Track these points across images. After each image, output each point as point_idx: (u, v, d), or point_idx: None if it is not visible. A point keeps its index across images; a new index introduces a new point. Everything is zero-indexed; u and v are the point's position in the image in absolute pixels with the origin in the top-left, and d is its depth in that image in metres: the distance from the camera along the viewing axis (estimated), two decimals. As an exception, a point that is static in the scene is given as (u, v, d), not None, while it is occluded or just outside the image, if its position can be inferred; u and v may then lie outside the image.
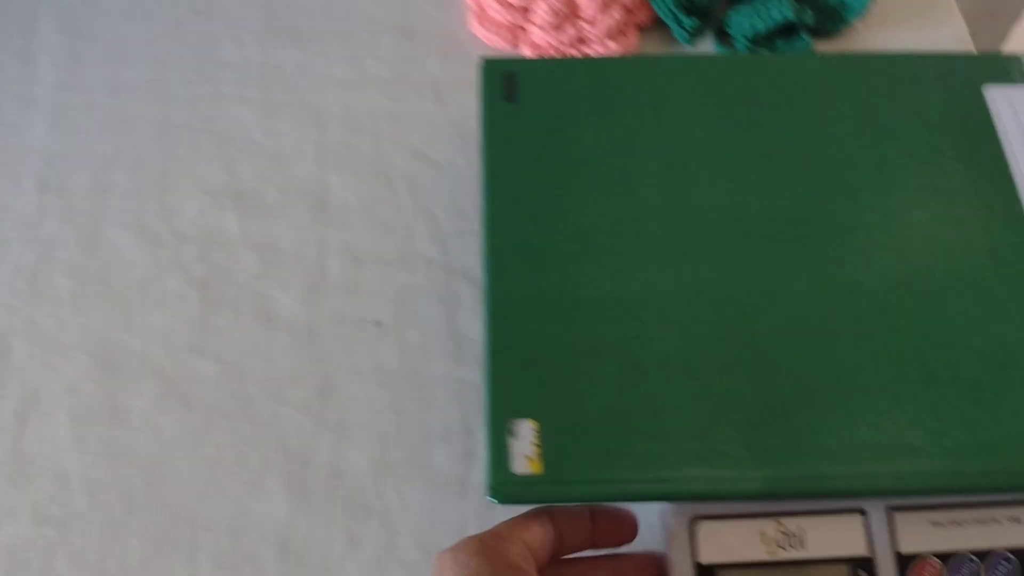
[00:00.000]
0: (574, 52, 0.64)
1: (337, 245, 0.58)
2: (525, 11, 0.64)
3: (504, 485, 0.42)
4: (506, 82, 0.53)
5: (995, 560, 0.45)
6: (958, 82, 0.55)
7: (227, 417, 0.53)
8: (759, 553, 0.45)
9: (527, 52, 0.64)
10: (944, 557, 0.46)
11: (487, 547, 0.39)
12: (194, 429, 0.53)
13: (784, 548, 0.45)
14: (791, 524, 0.45)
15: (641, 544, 0.47)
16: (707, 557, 0.45)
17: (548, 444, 0.43)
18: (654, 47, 0.65)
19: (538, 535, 0.41)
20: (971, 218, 0.50)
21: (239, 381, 0.54)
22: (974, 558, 0.45)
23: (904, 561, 0.45)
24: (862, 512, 0.46)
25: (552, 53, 0.63)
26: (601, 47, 0.64)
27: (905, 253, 0.49)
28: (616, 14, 0.64)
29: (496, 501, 0.42)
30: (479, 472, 0.51)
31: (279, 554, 0.50)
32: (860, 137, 0.53)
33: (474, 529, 0.47)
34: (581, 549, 0.44)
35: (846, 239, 0.50)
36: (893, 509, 0.46)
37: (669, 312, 0.47)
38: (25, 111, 0.64)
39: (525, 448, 0.42)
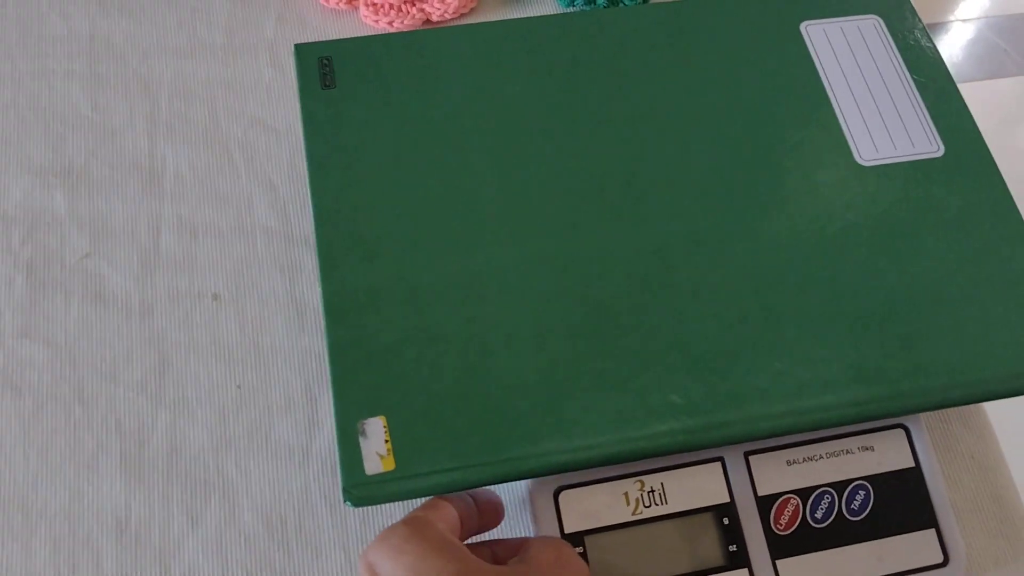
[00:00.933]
0: (410, 8, 0.61)
1: (171, 219, 0.55)
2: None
3: (357, 488, 0.40)
4: (321, 68, 0.50)
5: (852, 490, 0.44)
6: (776, 20, 0.54)
7: (59, 402, 0.50)
8: (624, 514, 0.44)
9: (365, 13, 0.61)
10: (803, 493, 0.45)
11: (416, 530, 0.36)
12: (25, 415, 0.50)
13: (648, 506, 0.44)
14: (652, 481, 0.45)
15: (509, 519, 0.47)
16: (573, 526, 0.44)
17: (398, 439, 0.41)
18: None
19: (450, 516, 0.39)
20: (800, 157, 0.49)
21: (71, 364, 0.51)
22: (831, 491, 0.44)
23: (765, 503, 0.44)
24: (721, 460, 0.45)
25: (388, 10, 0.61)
26: (438, 2, 0.62)
27: (741, 199, 0.48)
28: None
29: (350, 504, 0.40)
30: (323, 440, 0.49)
31: (117, 537, 0.47)
32: (686, 85, 0.52)
33: (318, 497, 0.44)
34: (474, 534, 0.42)
35: (679, 192, 0.49)
36: (749, 454, 0.45)
37: (511, 287, 0.45)
38: None
39: (376, 446, 0.41)
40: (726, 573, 0.44)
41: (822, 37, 0.53)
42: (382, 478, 0.40)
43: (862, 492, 0.46)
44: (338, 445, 0.41)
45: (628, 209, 0.48)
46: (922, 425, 0.47)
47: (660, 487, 0.45)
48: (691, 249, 0.47)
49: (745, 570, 0.44)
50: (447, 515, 0.39)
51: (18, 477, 0.48)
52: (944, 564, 0.45)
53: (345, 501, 0.40)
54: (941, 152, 0.50)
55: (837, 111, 0.51)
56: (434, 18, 0.62)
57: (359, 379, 0.43)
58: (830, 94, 0.52)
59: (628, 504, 0.45)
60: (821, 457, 0.46)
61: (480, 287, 0.45)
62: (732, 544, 0.45)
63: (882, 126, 0.51)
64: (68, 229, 0.55)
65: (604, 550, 0.44)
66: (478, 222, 0.47)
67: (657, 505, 0.45)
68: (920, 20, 0.54)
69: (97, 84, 0.59)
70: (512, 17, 0.60)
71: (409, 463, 0.41)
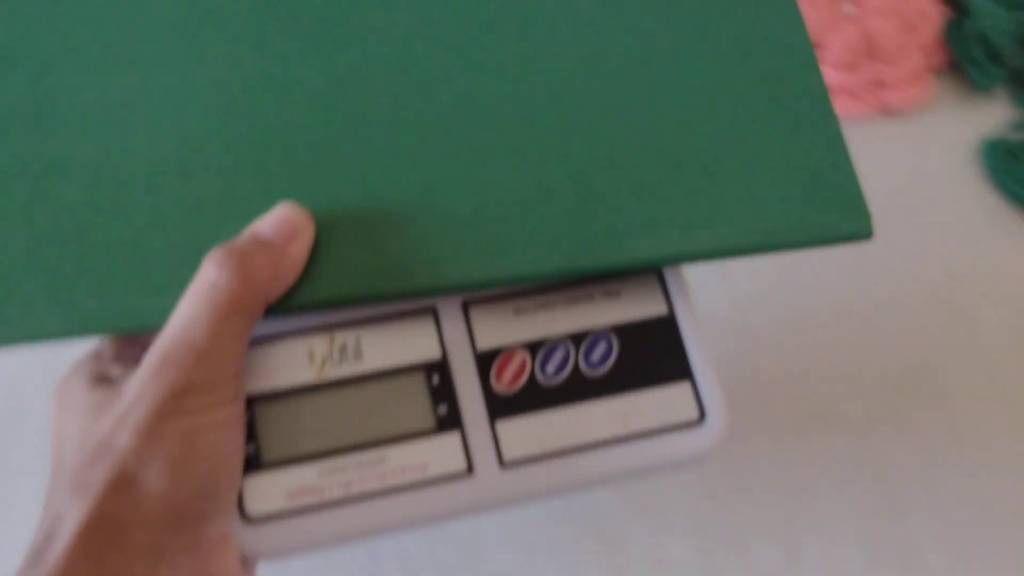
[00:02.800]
0: (868, 96, 0.61)
1: None
2: None
3: None
4: None
5: (592, 341, 0.36)
6: None
7: None
8: (306, 375, 0.36)
9: None
10: (532, 346, 0.36)
11: (82, 369, 0.34)
12: None
13: (338, 364, 0.36)
14: (346, 336, 0.37)
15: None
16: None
17: None
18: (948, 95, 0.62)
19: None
20: None
21: None
22: (566, 343, 0.36)
23: (485, 358, 0.36)
24: (433, 311, 0.37)
25: None
26: (898, 92, 0.60)
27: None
28: (914, 56, 0.60)
29: None
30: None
31: None
32: None
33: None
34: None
35: (391, 17, 0.40)
36: (469, 303, 0.37)
37: (161, 114, 0.37)
38: None
39: None
40: (434, 436, 0.36)
41: None
42: None
43: (604, 343, 0.37)
44: None
45: (323, 30, 0.39)
46: (679, 269, 0.39)
47: (356, 342, 0.36)
48: (400, 81, 0.38)
49: (457, 432, 0.36)
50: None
51: None
52: (700, 420, 0.36)
53: None
54: None
55: None
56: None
57: None
58: None
59: (312, 363, 0.36)
60: (557, 305, 0.38)
61: (122, 111, 0.37)
62: (442, 405, 0.36)
63: None
64: None
65: (280, 419, 0.35)
66: (138, 41, 0.38)
67: (351, 363, 0.36)
68: None
69: None
70: None
71: (5, 303, 0.33)
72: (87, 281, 0.34)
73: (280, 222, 0.33)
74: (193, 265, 0.33)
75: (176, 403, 0.30)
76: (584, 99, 0.38)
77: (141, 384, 0.30)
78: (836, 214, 0.37)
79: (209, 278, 0.31)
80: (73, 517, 0.29)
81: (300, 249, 0.33)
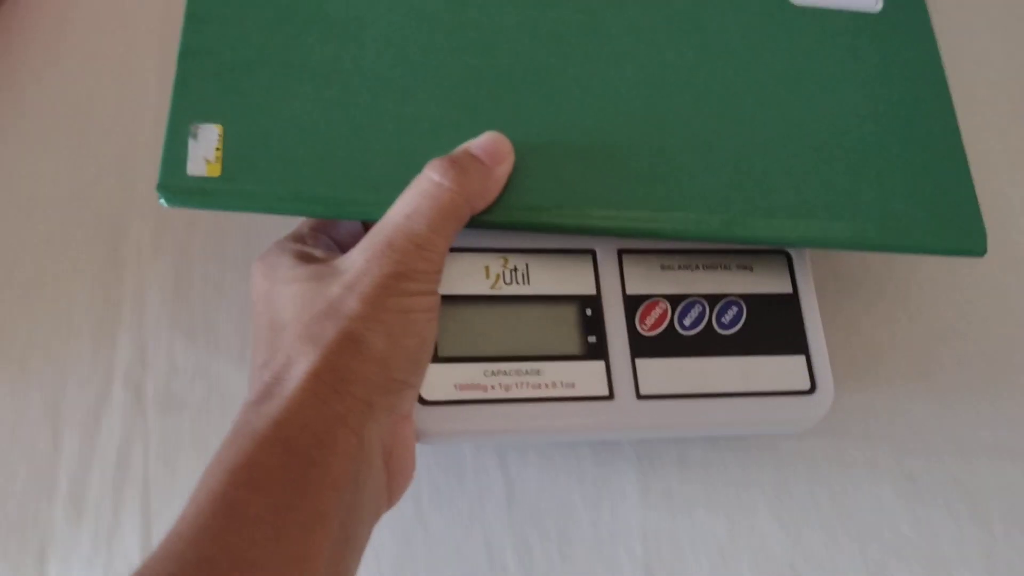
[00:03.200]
0: None
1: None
2: None
3: (173, 185, 0.37)
4: None
5: (725, 304, 0.41)
6: None
7: None
8: (482, 287, 0.41)
9: None
10: (673, 299, 0.41)
11: (287, 247, 0.38)
12: None
13: (509, 283, 0.41)
14: (517, 260, 0.41)
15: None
16: None
17: (230, 149, 0.38)
18: None
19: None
20: None
21: None
22: (702, 301, 0.41)
23: (633, 302, 0.41)
24: (592, 253, 0.41)
25: None
26: None
27: (657, 13, 0.45)
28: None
29: (164, 201, 0.37)
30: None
31: None
32: None
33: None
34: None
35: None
36: (623, 251, 0.42)
37: (395, 36, 0.41)
38: None
39: (205, 151, 0.38)
40: (581, 361, 0.40)
41: None
42: (203, 183, 0.37)
43: (735, 308, 0.42)
44: (165, 142, 0.38)
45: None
46: (805, 255, 0.44)
47: (524, 267, 0.41)
48: (588, 43, 0.43)
49: (602, 362, 0.41)
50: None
51: None
52: (811, 391, 0.42)
53: (160, 199, 0.37)
54: (879, 7, 0.47)
55: None
56: None
57: (204, 86, 0.39)
58: None
59: (488, 277, 0.41)
60: (697, 268, 0.43)
61: (357, 27, 0.41)
62: (592, 335, 0.41)
63: None
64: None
65: (456, 320, 0.40)
66: None
67: (519, 284, 0.41)
68: None
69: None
70: None
71: (235, 175, 0.37)
72: (318, 169, 0.38)
73: (490, 146, 0.38)
74: (407, 170, 0.37)
75: (396, 282, 0.34)
76: (755, 95, 0.43)
77: (367, 260, 0.34)
78: (956, 229, 0.42)
79: (433, 181, 0.35)
80: (304, 362, 0.32)
81: (504, 172, 0.38)
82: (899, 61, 0.45)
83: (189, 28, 0.40)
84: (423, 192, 0.35)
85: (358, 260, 0.34)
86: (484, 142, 0.38)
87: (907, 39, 0.46)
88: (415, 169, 0.37)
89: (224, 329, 0.47)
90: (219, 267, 0.47)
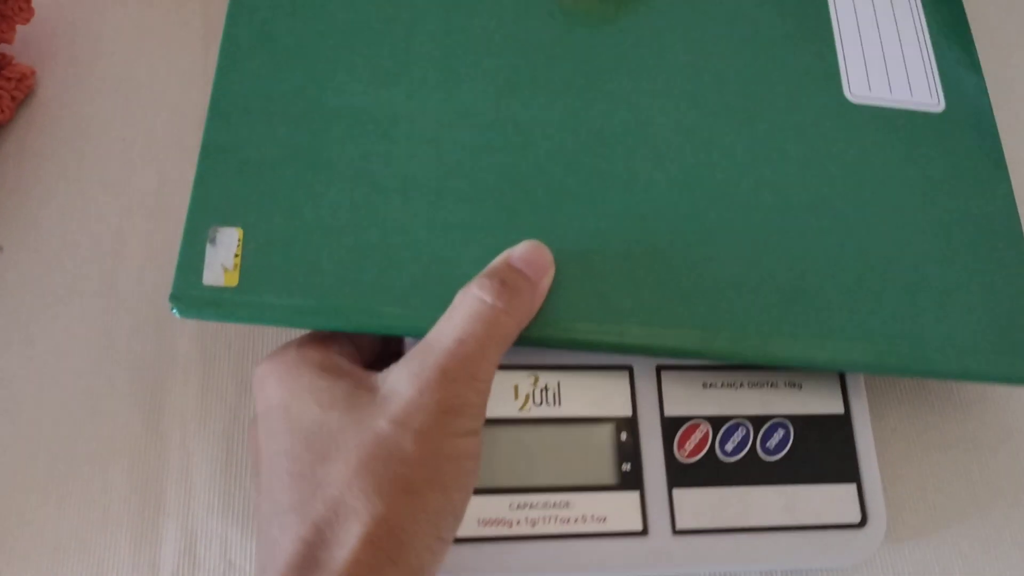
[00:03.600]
0: None
1: None
2: None
3: (188, 295, 0.35)
4: None
5: (771, 427, 0.38)
6: None
7: None
8: (510, 409, 0.38)
9: None
10: (715, 421, 0.38)
11: (308, 355, 0.33)
12: None
13: (539, 404, 0.38)
14: (548, 378, 0.39)
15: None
16: None
17: (250, 258, 0.36)
18: None
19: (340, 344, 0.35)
20: (783, 74, 0.44)
21: None
22: (746, 423, 0.38)
23: (671, 424, 0.38)
24: (629, 370, 0.39)
25: None
26: None
27: (705, 105, 0.43)
28: None
29: (177, 312, 0.35)
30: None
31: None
32: None
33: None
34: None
35: (637, 79, 0.43)
36: (662, 368, 0.39)
37: (425, 133, 0.39)
38: None
39: (224, 258, 0.36)
40: (614, 492, 0.38)
41: None
42: (219, 293, 0.35)
43: (781, 430, 0.39)
44: (181, 247, 0.35)
45: (577, 85, 0.41)
46: (859, 372, 0.41)
47: (556, 386, 0.39)
48: (634, 143, 0.41)
49: (637, 493, 0.38)
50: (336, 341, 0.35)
51: None
52: (861, 525, 0.39)
53: (172, 308, 0.35)
54: (941, 107, 0.44)
55: (837, 38, 0.45)
56: None
57: (225, 185, 0.37)
58: (833, 18, 0.46)
59: (516, 399, 0.38)
60: (742, 385, 0.40)
61: (389, 124, 0.39)
62: (627, 463, 0.38)
63: (882, 65, 0.45)
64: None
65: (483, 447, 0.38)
66: (407, 53, 0.41)
67: (549, 405, 0.39)
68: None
69: None
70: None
71: (254, 285, 0.35)
72: (341, 278, 0.36)
73: (533, 257, 0.35)
74: (436, 281, 0.36)
75: (451, 419, 0.31)
76: (808, 203, 0.40)
77: (419, 392, 0.31)
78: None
79: (485, 303, 0.32)
80: (357, 522, 0.28)
81: (546, 286, 0.36)
82: (962, 166, 0.42)
83: (212, 124, 0.38)
84: (474, 315, 0.32)
85: (406, 389, 0.31)
86: (526, 253, 0.35)
87: (971, 140, 0.43)
88: (445, 280, 0.35)
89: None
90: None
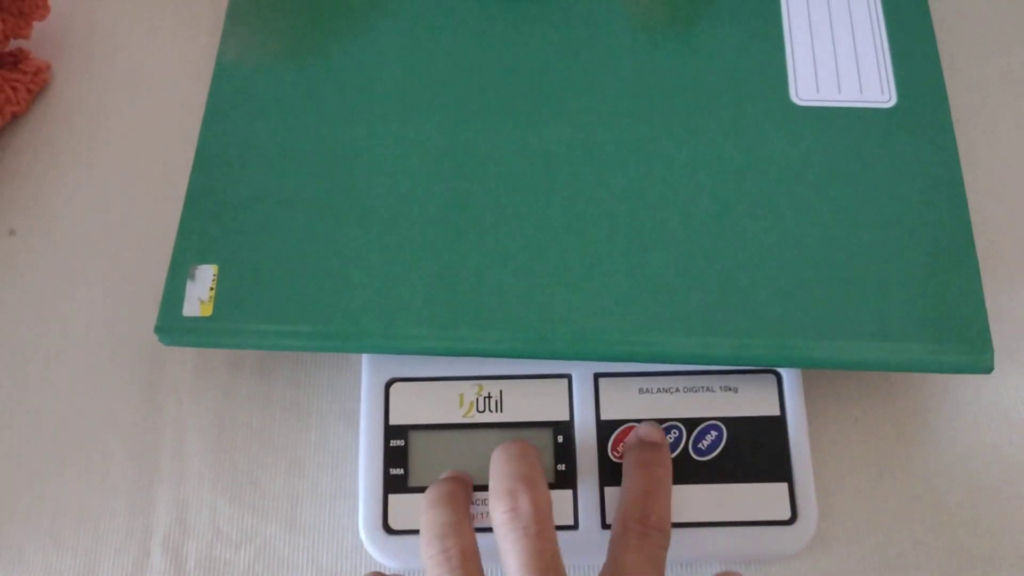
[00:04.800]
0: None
1: None
2: None
3: (171, 325, 0.41)
4: None
5: (704, 429, 0.41)
6: None
7: None
8: (455, 415, 0.42)
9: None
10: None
11: None
12: None
13: (482, 411, 0.42)
14: (491, 387, 0.42)
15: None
16: (399, 418, 0.42)
17: (223, 289, 0.41)
18: None
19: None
20: (728, 82, 0.46)
21: None
22: (679, 426, 0.41)
23: (606, 427, 0.41)
24: (568, 378, 0.42)
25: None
26: None
27: (648, 115, 0.45)
28: None
29: (161, 340, 0.40)
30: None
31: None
32: None
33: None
34: None
35: (581, 92, 0.46)
36: (600, 375, 0.42)
37: (382, 165, 0.43)
38: None
39: (200, 292, 0.41)
40: (552, 491, 0.41)
41: None
42: (195, 323, 0.40)
43: (714, 432, 0.42)
44: (166, 284, 0.41)
45: (525, 109, 0.45)
46: (796, 373, 0.42)
47: (499, 394, 0.42)
48: (578, 161, 0.43)
49: (570, 491, 0.41)
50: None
51: None
52: (790, 522, 0.40)
53: (159, 337, 0.41)
54: (891, 103, 0.45)
55: (787, 40, 0.47)
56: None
57: (205, 227, 0.42)
58: (785, 20, 0.47)
59: (461, 406, 0.42)
60: (677, 390, 0.42)
61: (352, 161, 0.43)
62: (562, 464, 0.41)
63: (832, 65, 0.46)
64: None
65: (427, 448, 0.42)
66: (367, 94, 0.45)
67: (492, 412, 0.42)
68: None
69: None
70: None
71: (226, 314, 0.40)
72: (301, 303, 0.41)
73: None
74: (384, 299, 0.40)
75: None
76: (737, 202, 0.42)
77: None
78: (959, 344, 0.39)
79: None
80: None
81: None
82: (909, 157, 0.43)
83: (197, 170, 0.43)
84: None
85: None
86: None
87: (920, 132, 0.44)
88: (395, 300, 0.40)
89: (270, 488, 0.44)
90: (264, 415, 0.45)
